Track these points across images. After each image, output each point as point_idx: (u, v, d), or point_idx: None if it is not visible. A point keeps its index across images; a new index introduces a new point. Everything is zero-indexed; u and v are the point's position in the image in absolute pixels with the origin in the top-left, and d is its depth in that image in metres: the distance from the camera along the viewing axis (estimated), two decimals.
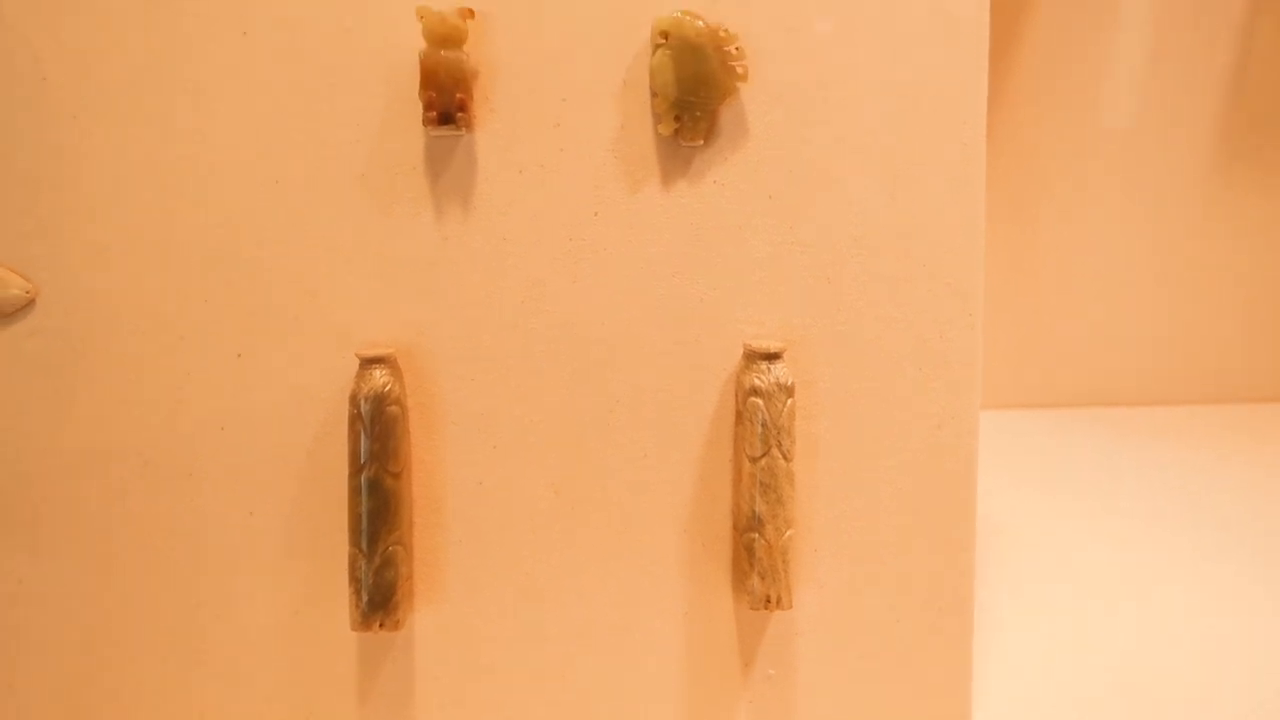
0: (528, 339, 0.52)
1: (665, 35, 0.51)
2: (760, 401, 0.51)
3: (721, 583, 0.54)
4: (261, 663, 0.53)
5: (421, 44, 0.49)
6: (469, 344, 0.52)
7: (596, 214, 0.52)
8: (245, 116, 0.50)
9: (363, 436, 0.49)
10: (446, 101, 0.49)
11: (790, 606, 0.52)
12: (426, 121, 0.50)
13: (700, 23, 0.51)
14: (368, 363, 0.50)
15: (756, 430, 0.51)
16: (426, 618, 0.53)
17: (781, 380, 0.51)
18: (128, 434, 0.51)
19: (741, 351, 0.53)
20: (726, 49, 0.51)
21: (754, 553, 0.52)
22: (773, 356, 0.52)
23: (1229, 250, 1.26)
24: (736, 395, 0.53)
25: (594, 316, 0.52)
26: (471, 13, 0.50)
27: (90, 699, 0.52)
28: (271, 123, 0.50)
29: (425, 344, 0.52)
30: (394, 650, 0.53)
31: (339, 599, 0.53)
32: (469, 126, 0.50)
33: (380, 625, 0.50)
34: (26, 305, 0.49)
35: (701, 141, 0.52)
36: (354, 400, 0.50)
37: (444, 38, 0.49)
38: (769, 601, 0.52)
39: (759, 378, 0.51)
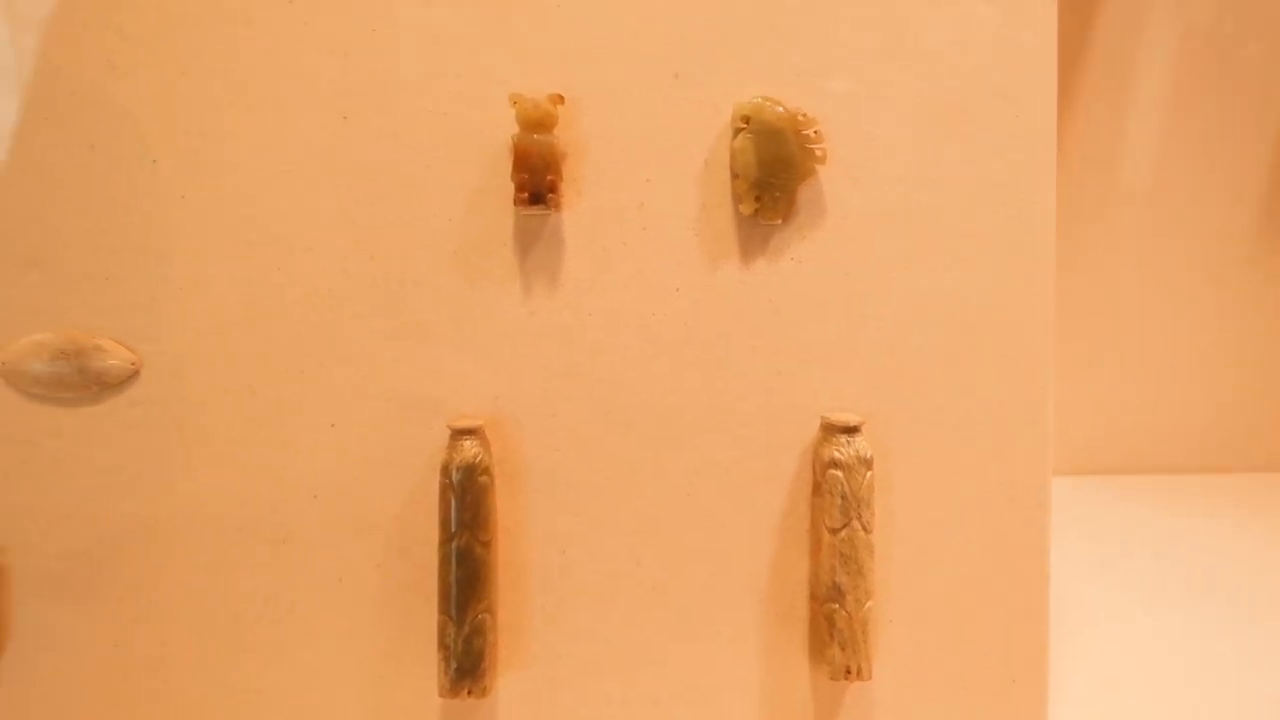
0: (610, 411, 0.54)
1: (746, 120, 0.53)
2: (840, 474, 0.52)
3: (797, 653, 0.55)
4: (342, 715, 0.53)
5: (514, 128, 0.52)
6: (553, 416, 0.54)
7: (678, 289, 0.54)
8: (344, 196, 0.52)
9: (454, 505, 0.51)
10: (537, 183, 0.51)
11: (870, 677, 0.52)
12: (518, 202, 0.52)
13: (780, 108, 0.53)
14: (459, 434, 0.51)
15: (836, 502, 0.52)
16: (509, 683, 0.54)
17: (861, 453, 0.52)
18: (224, 501, 0.52)
19: (819, 424, 0.54)
20: (805, 132, 0.53)
21: (834, 623, 0.52)
22: (852, 430, 0.53)
23: None
24: (814, 467, 0.54)
25: (674, 389, 0.54)
26: (562, 98, 0.52)
27: None
28: (369, 202, 0.52)
29: (512, 414, 0.53)
30: (477, 716, 0.54)
31: (424, 665, 0.53)
32: (557, 206, 0.52)
33: (469, 692, 0.51)
34: (131, 376, 0.51)
35: (780, 220, 0.54)
36: (445, 470, 0.51)
37: (536, 122, 0.51)
38: (849, 672, 0.52)
39: (838, 450, 0.52)
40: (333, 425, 0.53)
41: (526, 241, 0.53)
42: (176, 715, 0.53)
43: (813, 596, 0.54)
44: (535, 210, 0.52)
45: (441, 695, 0.51)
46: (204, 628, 0.53)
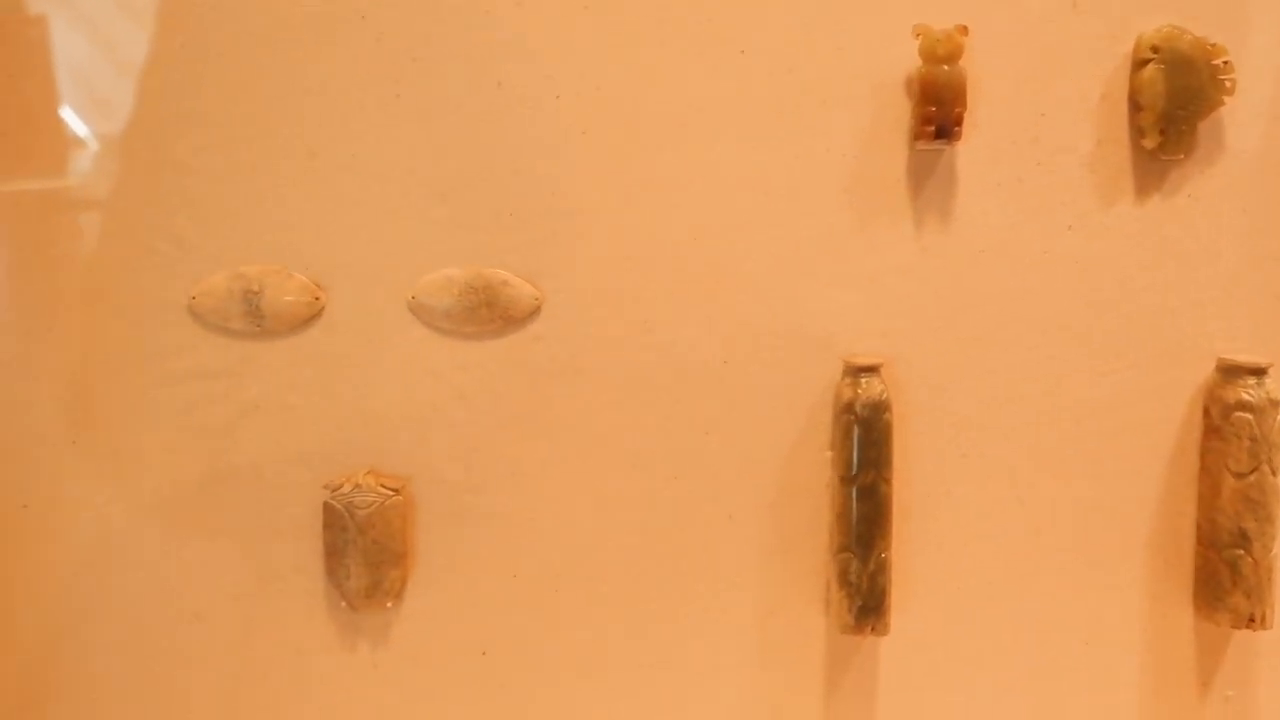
0: (1003, 350, 0.53)
1: (1155, 49, 0.51)
2: (1249, 417, 0.51)
3: (1182, 600, 0.54)
4: (734, 660, 0.54)
5: (910, 62, 0.51)
6: (943, 354, 0.53)
7: (1070, 227, 0.52)
8: (738, 131, 0.52)
9: (858, 443, 0.50)
10: (945, 116, 0.50)
11: (1271, 626, 0.51)
12: (921, 136, 0.51)
13: (1190, 36, 0.51)
14: (862, 370, 0.51)
15: (1244, 445, 0.51)
16: (894, 623, 0.53)
17: (1272, 395, 0.51)
18: (618, 437, 0.53)
19: (1215, 365, 0.52)
20: (1215, 63, 0.51)
21: (1239, 570, 0.51)
22: (1260, 371, 0.51)
23: None
24: (1209, 410, 0.52)
25: (1063, 329, 0.53)
26: (967, 29, 0.51)
27: (564, 664, 0.54)
28: (764, 138, 0.52)
29: (901, 353, 0.53)
30: (860, 655, 0.54)
31: (810, 602, 0.53)
32: (959, 139, 0.51)
33: (872, 629, 0.51)
34: (533, 312, 0.52)
35: (1182, 155, 0.52)
36: (849, 408, 0.51)
37: (944, 54, 0.50)
38: (1252, 620, 0.51)
39: (1247, 393, 0.51)
40: (725, 362, 0.53)
41: (919, 177, 0.52)
42: (569, 639, 0.54)
43: (1206, 542, 0.53)
44: (938, 144, 0.51)
45: (844, 632, 0.51)
46: (594, 559, 0.53)
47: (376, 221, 0.51)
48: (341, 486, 0.51)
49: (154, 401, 0.52)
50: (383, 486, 0.51)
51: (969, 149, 0.52)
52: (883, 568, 0.51)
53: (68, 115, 0.51)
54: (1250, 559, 0.51)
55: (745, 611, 0.54)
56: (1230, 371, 0.52)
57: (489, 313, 0.51)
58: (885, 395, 0.51)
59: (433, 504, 0.53)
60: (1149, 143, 0.52)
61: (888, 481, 0.51)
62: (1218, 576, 0.52)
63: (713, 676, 0.54)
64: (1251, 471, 0.51)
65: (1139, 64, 0.51)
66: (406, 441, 0.52)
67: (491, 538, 0.53)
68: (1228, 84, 0.51)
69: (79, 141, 0.51)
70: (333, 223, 0.51)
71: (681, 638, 0.54)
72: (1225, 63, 0.51)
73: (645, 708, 0.54)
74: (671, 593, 0.54)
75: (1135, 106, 0.52)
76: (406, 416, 0.52)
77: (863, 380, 0.51)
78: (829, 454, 0.53)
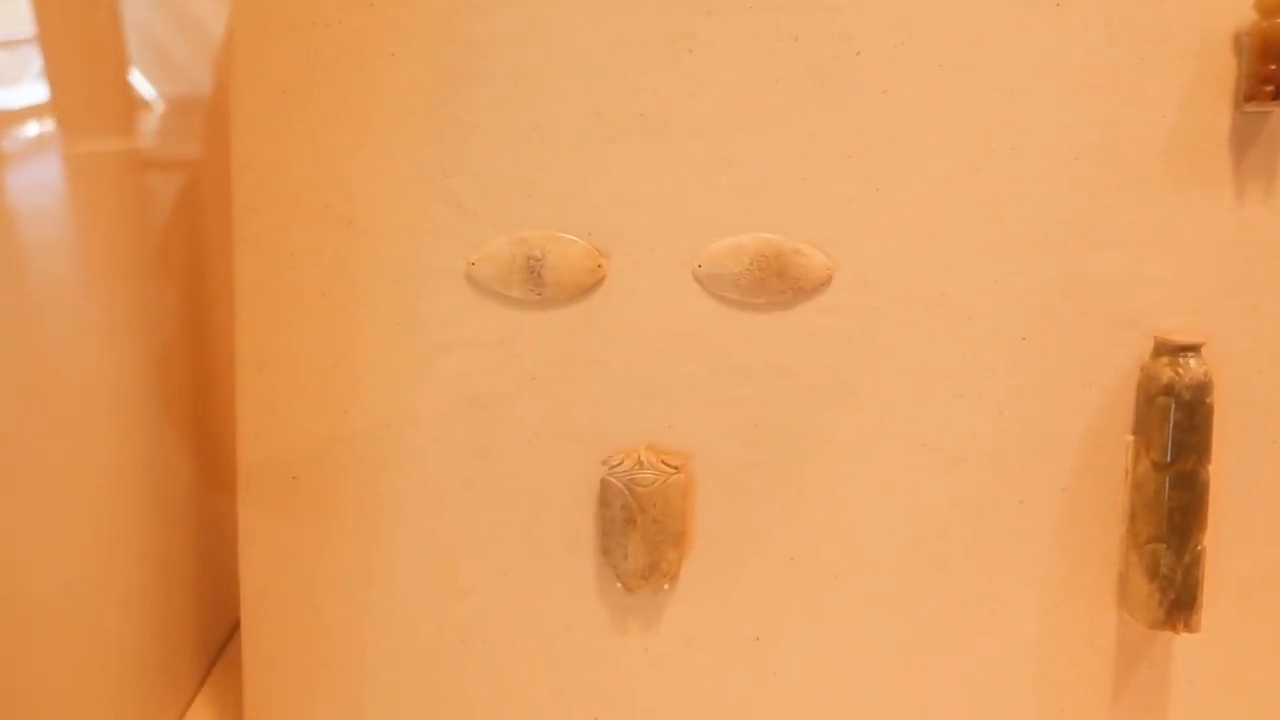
0: None
1: None
2: None
3: None
4: (1016, 654, 0.51)
5: (1241, 16, 0.47)
6: (1259, 334, 0.49)
7: None
8: (1048, 89, 0.48)
9: (1176, 428, 0.47)
10: None
11: None
12: (1257, 96, 0.47)
13: None
14: (1183, 350, 0.47)
15: None
16: None
17: None
18: (904, 415, 0.50)
19: None
20: None
21: None
22: None
23: None
24: None
25: None
26: None
27: (839, 652, 0.52)
28: (1074, 96, 0.48)
29: (1217, 332, 0.49)
30: (1151, 651, 0.51)
31: (1100, 595, 0.51)
32: None
33: (1183, 625, 0.48)
34: (824, 282, 0.49)
35: None
36: (1169, 389, 0.47)
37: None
38: None
39: None
40: (1023, 339, 0.50)
41: (1243, 142, 0.48)
42: (844, 627, 0.51)
43: None
44: (1272, 106, 0.47)
45: (1152, 627, 0.48)
46: (874, 544, 0.51)
47: (662, 186, 0.49)
48: (621, 463, 0.49)
49: (427, 371, 0.50)
50: (664, 463, 0.49)
51: None
52: (1198, 560, 0.48)
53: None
54: None
55: (1030, 603, 0.51)
56: None
57: (779, 283, 0.49)
58: (1208, 376, 0.47)
59: (709, 482, 0.51)
60: None
61: (1207, 469, 0.48)
62: None
63: (993, 670, 0.52)
64: None
65: None
66: (683, 417, 0.50)
67: (769, 518, 0.51)
68: None
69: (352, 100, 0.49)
70: (617, 186, 0.49)
71: (961, 628, 0.51)
72: None
73: (921, 702, 0.52)
74: (952, 580, 0.51)
75: None
76: (685, 391, 0.50)
77: (1182, 360, 0.47)
78: (1130, 438, 0.49)
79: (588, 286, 0.49)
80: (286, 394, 0.50)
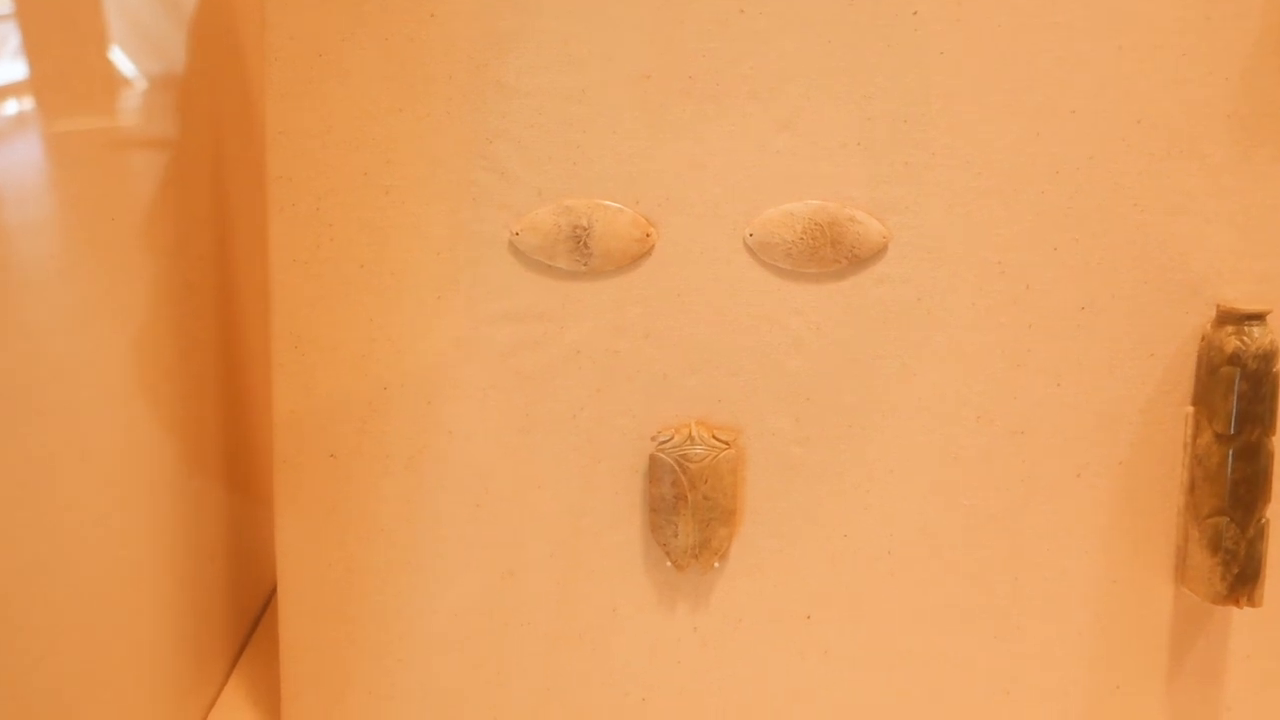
0: None
1: None
2: None
3: None
4: (1072, 629, 0.50)
5: None
6: None
7: None
8: (1108, 49, 0.46)
9: (1241, 398, 0.46)
10: None
11: None
12: None
13: None
14: (1249, 319, 0.46)
15: None
16: None
17: None
18: (960, 387, 0.49)
19: None
20: None
21: None
22: None
23: None
24: None
25: None
26: None
27: (893, 629, 0.51)
28: (1138, 56, 0.47)
29: (1278, 299, 0.48)
30: (1209, 625, 0.50)
31: (1158, 569, 0.50)
32: None
33: (1247, 600, 0.47)
34: (879, 251, 0.48)
35: None
36: (1235, 359, 0.46)
37: None
38: None
39: None
40: (1082, 308, 0.48)
41: None
42: (898, 603, 0.50)
43: None
44: None
45: (1214, 602, 0.47)
46: (928, 518, 0.50)
47: (713, 152, 0.47)
48: (671, 438, 0.48)
49: (470, 345, 0.48)
50: (715, 439, 0.48)
51: None
52: (1262, 533, 0.47)
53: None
54: None
55: (1086, 576, 0.50)
56: None
57: (833, 251, 0.47)
58: (1274, 345, 0.46)
59: (760, 457, 0.49)
60: None
61: (1272, 440, 0.46)
62: None
63: (1049, 645, 0.51)
64: None
65: None
66: (734, 390, 0.49)
67: (821, 494, 0.50)
68: None
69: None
70: (666, 152, 0.47)
71: (1017, 603, 0.50)
72: None
73: (975, 678, 0.51)
74: (1008, 555, 0.50)
75: None
76: (736, 364, 0.49)
77: (1247, 328, 0.46)
78: (1189, 409, 0.48)
79: (635, 256, 0.47)
80: (323, 369, 0.49)
